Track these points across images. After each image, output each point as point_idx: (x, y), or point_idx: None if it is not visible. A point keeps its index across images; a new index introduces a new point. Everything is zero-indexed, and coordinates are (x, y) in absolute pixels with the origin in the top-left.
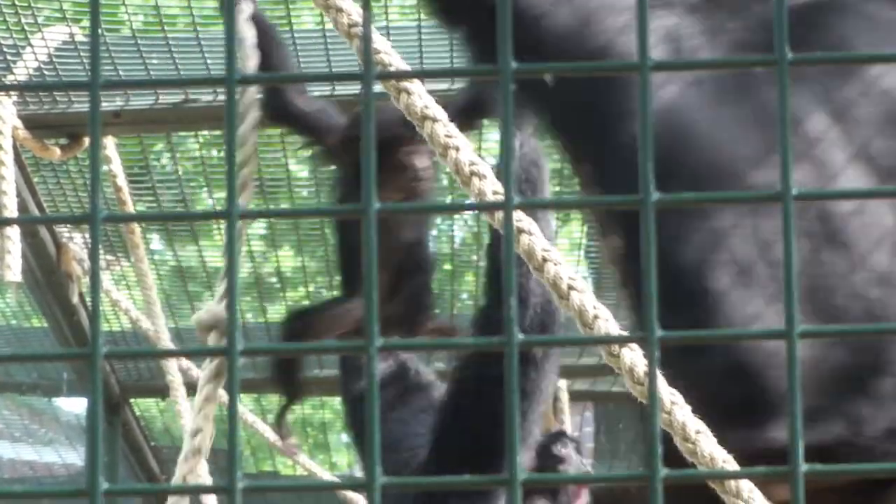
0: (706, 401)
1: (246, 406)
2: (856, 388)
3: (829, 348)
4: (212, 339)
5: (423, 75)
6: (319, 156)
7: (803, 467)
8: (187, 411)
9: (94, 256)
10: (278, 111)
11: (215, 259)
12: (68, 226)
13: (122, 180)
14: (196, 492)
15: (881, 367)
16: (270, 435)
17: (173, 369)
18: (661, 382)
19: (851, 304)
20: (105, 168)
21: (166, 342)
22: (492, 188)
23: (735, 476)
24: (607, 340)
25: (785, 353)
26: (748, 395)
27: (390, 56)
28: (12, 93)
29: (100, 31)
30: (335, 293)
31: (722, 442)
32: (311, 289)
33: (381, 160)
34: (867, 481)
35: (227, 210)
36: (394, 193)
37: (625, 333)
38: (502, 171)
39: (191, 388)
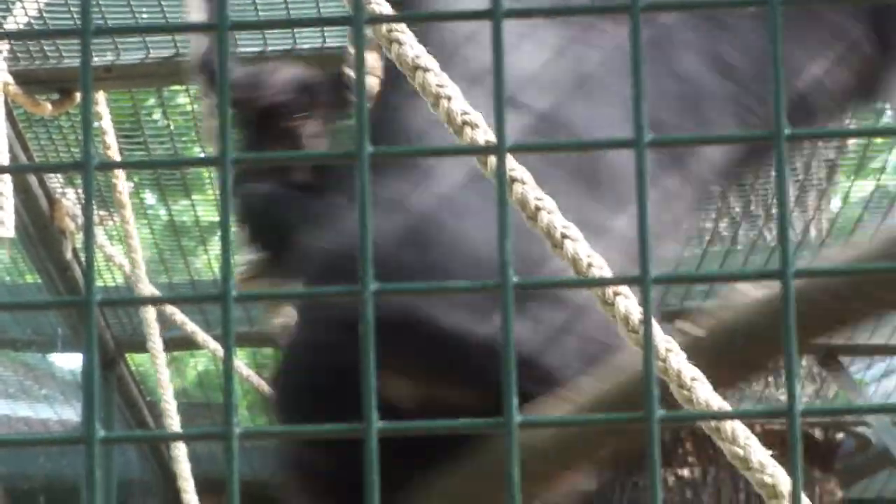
0: None
1: (241, 360)
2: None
3: None
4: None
5: (415, 18)
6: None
7: (801, 407)
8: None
9: (87, 204)
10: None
11: (208, 214)
12: (61, 181)
13: (111, 138)
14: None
15: None
16: (267, 389)
17: (153, 325)
18: (656, 328)
19: None
20: (95, 124)
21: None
22: (484, 137)
23: (729, 416)
24: (601, 283)
25: None
26: None
27: (381, 6)
28: (3, 49)
29: None
30: None
31: None
32: None
33: (269, 128)
34: None
35: (219, 156)
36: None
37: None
38: (496, 114)
39: (185, 343)
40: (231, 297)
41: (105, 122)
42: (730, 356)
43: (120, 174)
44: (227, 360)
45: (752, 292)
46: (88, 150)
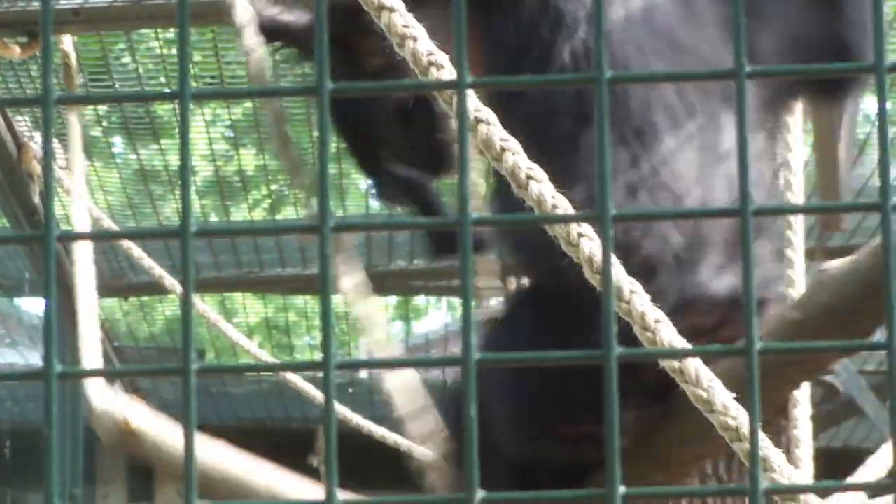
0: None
1: (209, 306)
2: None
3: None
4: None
5: None
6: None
7: (759, 345)
8: None
9: (46, 139)
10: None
11: (177, 159)
12: (29, 125)
13: (81, 79)
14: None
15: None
16: (234, 335)
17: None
18: (619, 269)
19: None
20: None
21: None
22: (449, 78)
23: (688, 354)
24: (560, 219)
25: None
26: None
27: None
28: None
29: None
30: (297, 193)
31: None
32: (272, 188)
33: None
34: None
35: (178, 90)
36: (376, 58)
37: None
38: (456, 49)
39: (153, 288)
40: (189, 232)
41: (73, 64)
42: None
43: (88, 116)
44: (187, 298)
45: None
46: (49, 83)
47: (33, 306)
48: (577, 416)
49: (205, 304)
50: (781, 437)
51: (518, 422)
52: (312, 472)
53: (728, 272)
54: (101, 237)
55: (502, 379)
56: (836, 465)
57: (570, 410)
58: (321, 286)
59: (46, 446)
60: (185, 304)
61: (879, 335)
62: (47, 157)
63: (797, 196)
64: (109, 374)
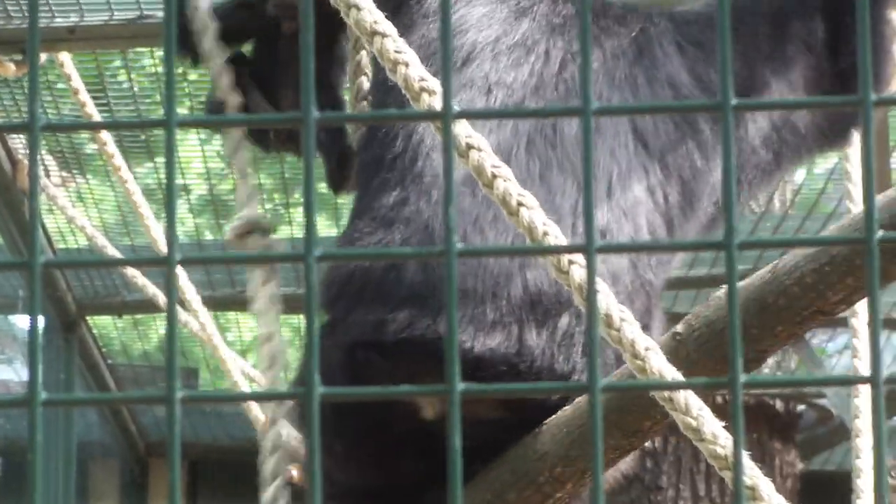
0: None
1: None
2: None
3: None
4: (252, 243)
5: None
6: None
7: (742, 378)
8: None
9: (32, 164)
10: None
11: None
12: (24, 142)
13: (84, 95)
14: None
15: None
16: (227, 354)
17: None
18: (609, 296)
19: None
20: (62, 85)
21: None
22: (441, 105)
23: (674, 386)
24: (549, 251)
25: None
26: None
27: None
28: None
29: None
30: (293, 213)
31: None
32: (267, 206)
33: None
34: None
35: (164, 118)
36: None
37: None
38: (443, 79)
39: (148, 307)
40: (175, 260)
41: (75, 80)
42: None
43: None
44: (170, 323)
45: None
46: (34, 110)
47: (28, 323)
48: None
49: (198, 322)
50: (775, 459)
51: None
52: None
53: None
54: (86, 264)
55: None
56: (828, 489)
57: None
58: (307, 315)
59: (31, 473)
60: (170, 329)
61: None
62: (33, 183)
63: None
64: (96, 402)
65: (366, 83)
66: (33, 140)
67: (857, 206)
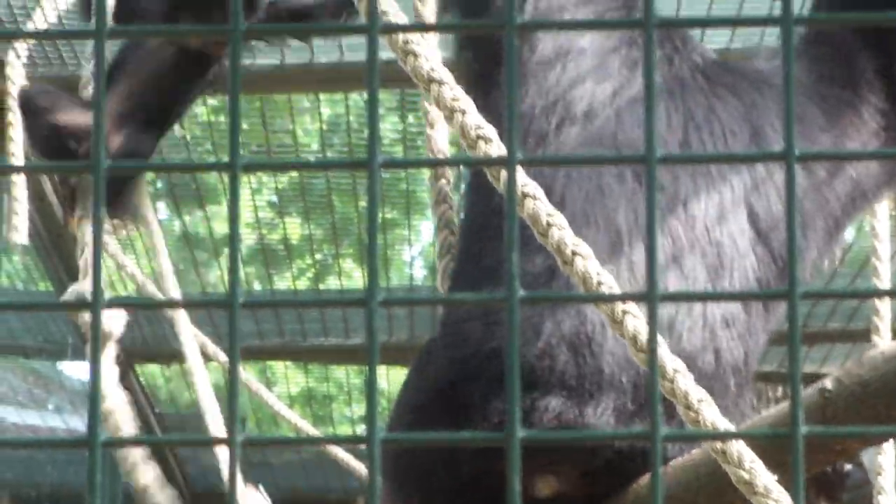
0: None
1: (251, 374)
2: None
3: None
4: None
5: (429, 29)
6: None
7: (803, 429)
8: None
9: (96, 205)
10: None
11: (223, 226)
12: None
13: None
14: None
15: None
16: (276, 404)
17: (186, 332)
18: (664, 348)
19: None
20: None
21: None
22: (497, 152)
23: (730, 436)
24: (608, 298)
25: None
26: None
27: (398, 17)
28: (22, 54)
29: None
30: (342, 263)
31: None
32: (317, 257)
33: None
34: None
35: (229, 161)
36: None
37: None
38: (508, 126)
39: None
40: (237, 302)
41: None
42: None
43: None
44: (233, 367)
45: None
46: (99, 151)
47: (75, 371)
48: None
49: (246, 373)
50: None
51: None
52: None
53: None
54: (148, 306)
55: None
56: None
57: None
58: (369, 359)
59: None
60: (232, 374)
61: None
62: (96, 224)
63: (883, 282)
64: (153, 442)
65: (450, 237)
66: (97, 181)
67: (881, 263)
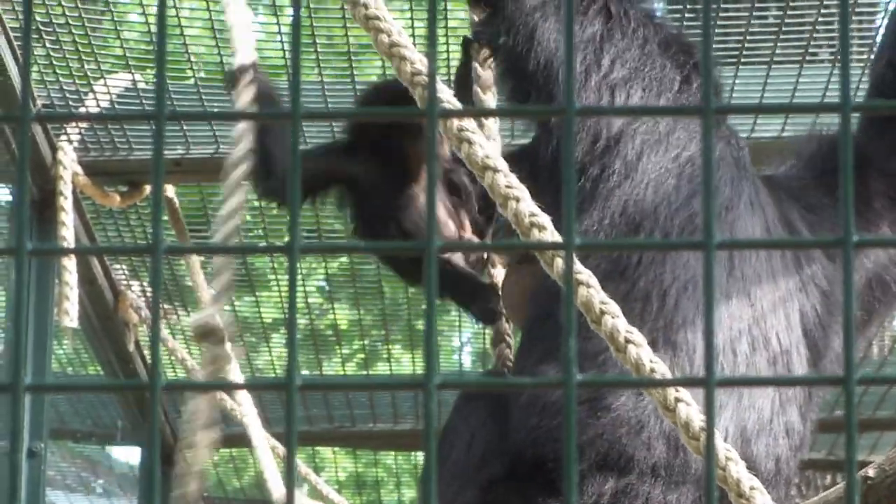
0: None
1: (299, 458)
2: None
3: None
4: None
5: (487, 114)
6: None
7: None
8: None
9: (155, 287)
10: (273, 192)
11: (272, 311)
12: (126, 273)
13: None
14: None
15: None
16: (325, 489)
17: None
18: (718, 437)
19: None
20: (166, 217)
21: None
22: (552, 239)
23: None
24: (662, 383)
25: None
26: None
27: (453, 104)
28: (74, 140)
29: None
30: (391, 348)
31: None
32: (366, 342)
33: (402, 149)
34: None
35: (288, 244)
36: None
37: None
38: (566, 213)
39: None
40: (295, 384)
41: (178, 209)
42: None
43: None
44: (290, 447)
45: None
46: (158, 232)
47: (125, 455)
48: None
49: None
50: None
51: None
52: None
53: None
54: (207, 388)
55: None
56: None
57: None
58: (425, 442)
59: None
60: (289, 454)
61: None
62: (155, 306)
63: None
64: None
65: (507, 350)
66: (156, 262)
67: None
